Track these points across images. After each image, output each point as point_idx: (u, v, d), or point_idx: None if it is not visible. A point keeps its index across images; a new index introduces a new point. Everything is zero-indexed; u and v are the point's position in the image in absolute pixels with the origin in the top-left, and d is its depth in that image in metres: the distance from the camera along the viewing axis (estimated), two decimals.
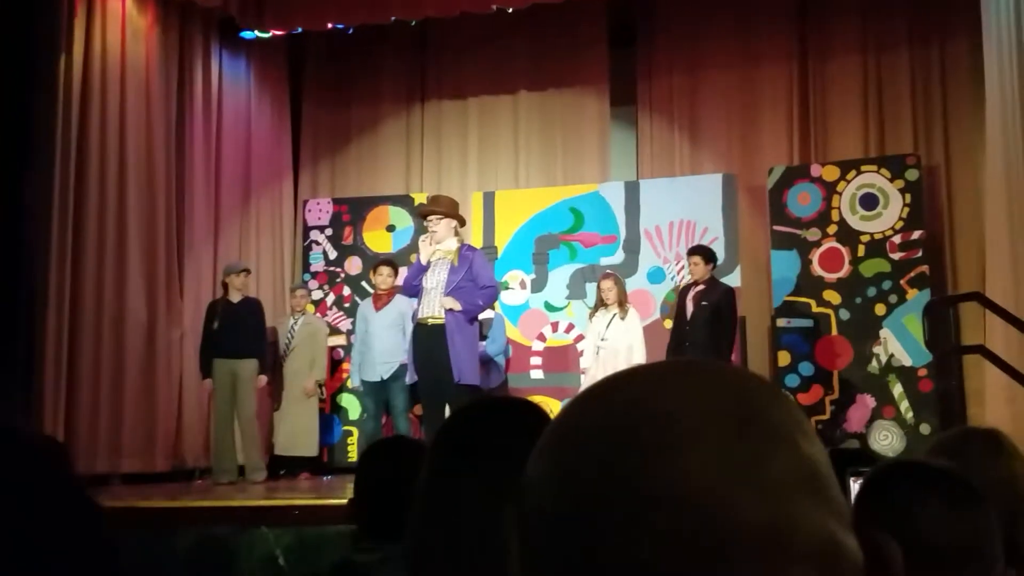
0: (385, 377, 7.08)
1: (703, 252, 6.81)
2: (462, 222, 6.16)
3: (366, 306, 7.47)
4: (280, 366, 7.65)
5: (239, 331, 6.96)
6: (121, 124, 7.14)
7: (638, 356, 6.79)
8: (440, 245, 5.87)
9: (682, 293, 6.92)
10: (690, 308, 6.71)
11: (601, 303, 6.96)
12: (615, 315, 6.89)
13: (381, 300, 7.27)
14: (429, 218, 5.96)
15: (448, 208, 5.99)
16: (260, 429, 7.33)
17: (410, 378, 6.02)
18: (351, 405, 8.28)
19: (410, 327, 6.11)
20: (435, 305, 5.78)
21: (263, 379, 7.15)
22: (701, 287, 6.73)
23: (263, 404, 7.52)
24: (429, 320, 5.79)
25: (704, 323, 6.57)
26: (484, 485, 1.35)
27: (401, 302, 6.96)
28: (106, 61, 7.05)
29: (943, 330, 5.53)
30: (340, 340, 8.36)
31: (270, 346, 7.49)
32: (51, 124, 6.64)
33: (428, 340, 5.76)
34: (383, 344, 7.07)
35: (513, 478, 1.37)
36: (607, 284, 6.95)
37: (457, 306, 5.72)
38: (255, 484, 6.86)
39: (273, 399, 7.65)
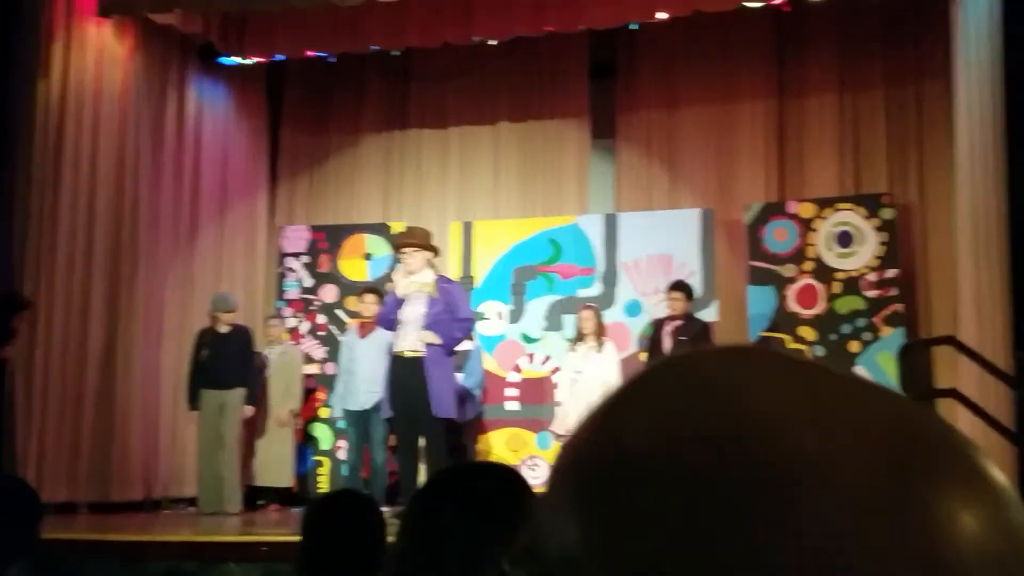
0: (367, 407, 7.00)
1: (685, 288, 6.88)
2: (436, 253, 6.14)
3: (351, 334, 7.42)
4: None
5: (228, 360, 6.92)
6: (93, 150, 7.08)
7: None
8: (415, 277, 5.85)
9: (658, 326, 6.93)
10: (667, 342, 6.74)
11: (580, 334, 6.99)
12: (592, 347, 6.91)
13: (366, 328, 7.21)
14: (403, 250, 5.94)
15: (422, 240, 5.97)
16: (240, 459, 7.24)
17: (384, 412, 5.96)
18: (323, 435, 8.19)
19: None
20: (412, 338, 5.74)
21: (249, 409, 7.07)
22: (679, 322, 6.77)
23: (244, 433, 7.42)
24: (406, 352, 5.75)
25: None
26: (464, 551, 1.33)
27: (386, 331, 6.93)
28: (82, 86, 6.99)
29: (918, 371, 5.56)
30: (314, 369, 8.28)
31: (258, 374, 7.42)
32: (25, 150, 6.58)
33: (404, 372, 5.72)
34: (367, 372, 6.94)
35: (492, 543, 1.35)
36: (586, 314, 6.99)
37: (437, 340, 5.69)
38: (229, 516, 6.77)
39: (257, 429, 7.54)
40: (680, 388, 0.40)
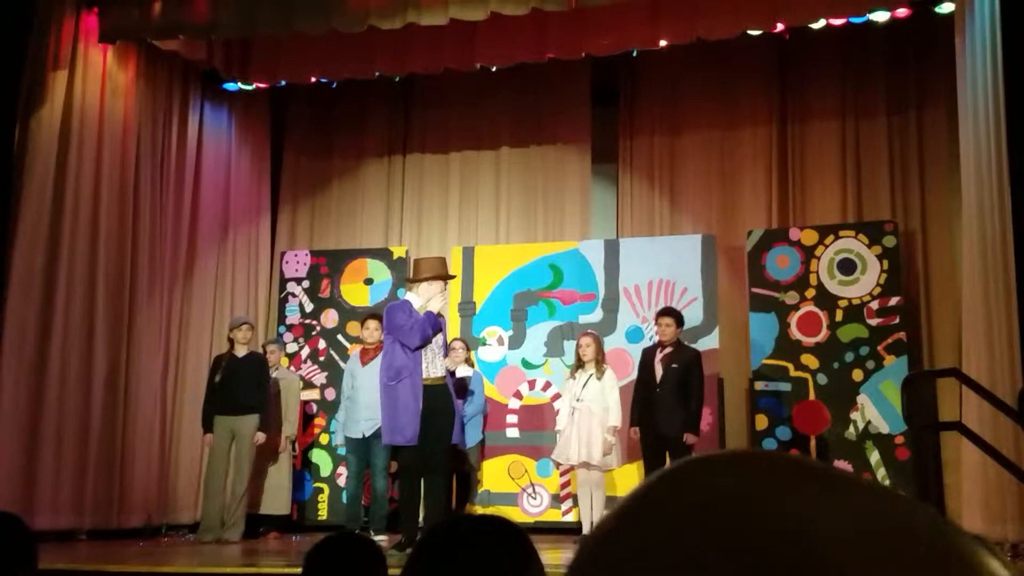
0: (367, 434, 6.92)
1: (675, 315, 6.86)
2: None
3: (353, 361, 7.36)
4: None
5: (241, 386, 6.89)
6: (96, 176, 7.08)
7: (613, 418, 6.77)
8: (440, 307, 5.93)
9: (648, 354, 6.91)
10: (659, 370, 6.74)
11: (579, 361, 6.96)
12: (591, 375, 6.87)
13: (368, 354, 7.15)
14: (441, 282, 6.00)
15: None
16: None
17: (408, 439, 5.80)
18: (323, 461, 8.15)
19: None
20: (439, 364, 5.79)
21: (262, 436, 7.02)
22: (669, 349, 6.77)
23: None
24: (435, 379, 5.77)
25: (674, 385, 6.63)
26: None
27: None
28: (85, 112, 7.01)
29: (922, 403, 5.53)
30: (313, 394, 8.25)
31: (272, 400, 7.39)
32: (28, 176, 6.59)
33: (433, 399, 5.72)
34: (368, 399, 6.82)
35: None
36: (585, 341, 6.95)
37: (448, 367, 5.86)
38: (230, 544, 6.72)
39: (267, 455, 7.48)
40: (700, 499, 0.39)
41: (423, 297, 5.84)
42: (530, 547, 1.39)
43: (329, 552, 2.20)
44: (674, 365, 6.68)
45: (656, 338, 6.92)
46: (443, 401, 5.69)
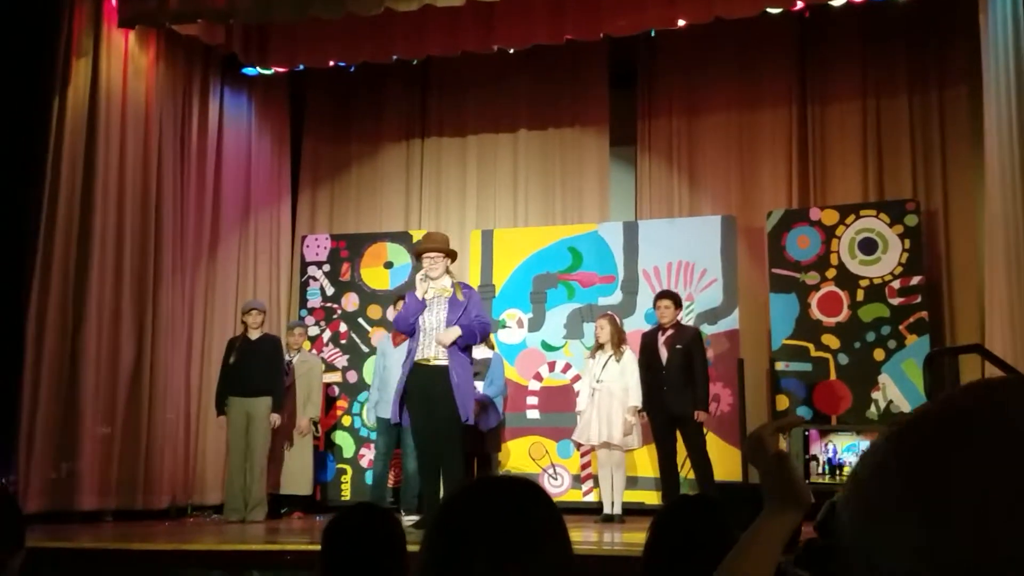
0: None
1: (673, 297, 6.93)
2: (454, 258, 6.14)
3: (385, 342, 7.45)
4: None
5: (255, 368, 6.99)
6: (121, 160, 7.16)
7: (634, 398, 6.80)
8: (435, 283, 5.85)
9: (650, 337, 6.93)
10: (664, 353, 6.80)
11: (598, 342, 6.99)
12: (610, 356, 6.90)
13: (399, 337, 7.20)
14: (425, 256, 5.93)
15: (442, 245, 5.98)
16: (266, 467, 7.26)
17: (398, 419, 5.92)
18: (346, 443, 8.22)
19: None
20: (435, 346, 5.75)
21: (276, 418, 7.10)
22: (671, 331, 6.82)
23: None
24: (432, 360, 5.75)
25: (679, 367, 6.69)
26: (486, 567, 1.33)
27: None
28: (109, 97, 7.07)
29: (944, 380, 5.50)
30: (335, 377, 8.31)
31: (289, 382, 7.45)
32: (54, 160, 6.65)
33: (427, 379, 5.71)
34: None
35: (514, 559, 1.34)
36: (601, 322, 7.01)
37: (457, 331, 5.68)
38: (254, 523, 6.80)
39: (284, 437, 7.56)
40: None
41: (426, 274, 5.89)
42: (553, 507, 1.40)
43: (348, 524, 2.23)
44: (678, 346, 6.75)
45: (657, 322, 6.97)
46: (441, 382, 5.65)
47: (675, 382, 6.67)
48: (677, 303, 6.90)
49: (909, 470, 0.45)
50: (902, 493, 0.45)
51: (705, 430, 6.85)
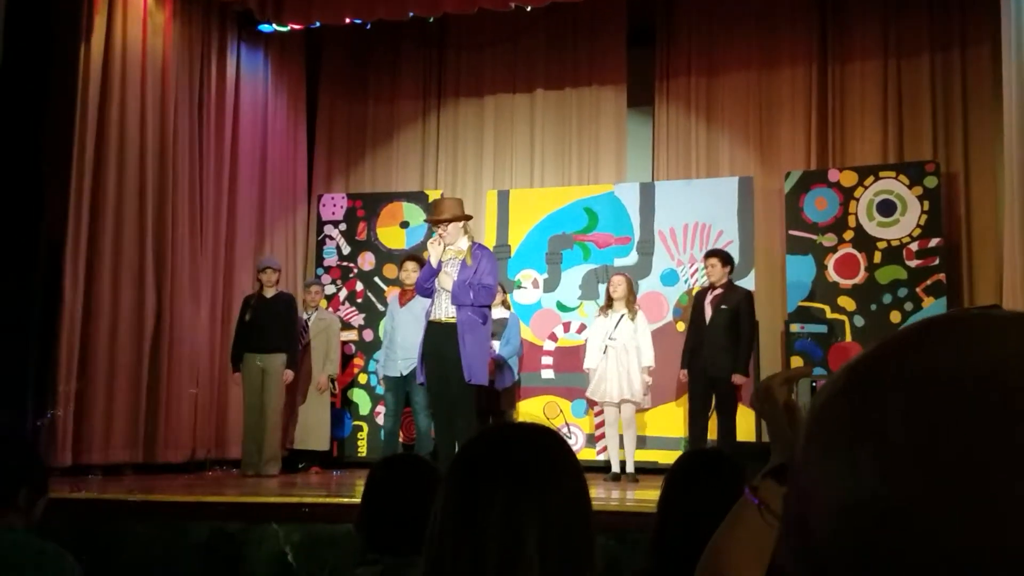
0: (405, 373, 7.09)
1: (721, 255, 6.82)
2: (469, 219, 6.11)
3: (392, 302, 7.51)
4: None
5: (270, 325, 7.07)
6: (142, 117, 7.16)
7: (647, 358, 6.81)
8: (451, 246, 5.86)
9: (699, 296, 6.90)
10: (708, 312, 6.70)
11: (609, 300, 6.96)
12: (623, 315, 6.89)
13: (406, 296, 7.27)
14: (441, 226, 5.93)
15: (455, 211, 5.94)
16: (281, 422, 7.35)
17: (419, 378, 6.02)
18: (362, 400, 8.30)
19: None
20: (447, 305, 5.78)
21: (290, 374, 7.19)
22: (719, 291, 6.73)
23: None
24: (443, 319, 5.79)
25: (724, 327, 6.60)
26: (502, 514, 1.35)
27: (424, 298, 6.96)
28: (126, 54, 7.06)
29: None
30: (352, 335, 8.37)
31: (300, 339, 7.52)
32: (71, 117, 6.67)
33: (440, 339, 5.75)
34: (405, 340, 7.02)
35: (531, 505, 1.36)
36: (617, 279, 6.97)
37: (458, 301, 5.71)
38: (270, 477, 6.90)
39: (299, 393, 7.65)
40: (983, 332, 0.45)
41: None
42: (568, 449, 1.41)
43: (391, 470, 2.28)
44: (723, 306, 6.66)
45: (707, 280, 6.92)
46: (450, 340, 5.70)
47: (715, 342, 6.58)
48: (725, 261, 6.79)
49: (851, 400, 0.46)
50: (842, 423, 0.46)
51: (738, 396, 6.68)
